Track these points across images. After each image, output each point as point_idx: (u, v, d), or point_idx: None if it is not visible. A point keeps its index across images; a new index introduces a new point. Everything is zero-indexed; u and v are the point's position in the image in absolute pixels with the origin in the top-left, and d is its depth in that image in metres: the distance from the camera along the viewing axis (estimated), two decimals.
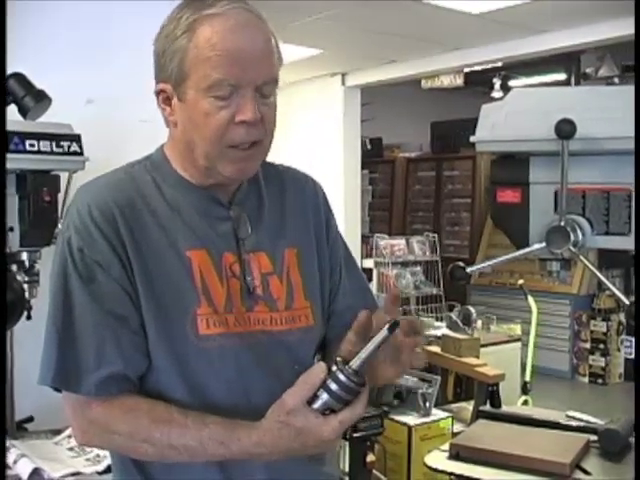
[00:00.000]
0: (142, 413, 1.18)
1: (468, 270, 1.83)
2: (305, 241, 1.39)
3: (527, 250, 1.79)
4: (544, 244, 1.75)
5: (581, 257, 1.75)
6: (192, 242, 1.26)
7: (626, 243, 1.73)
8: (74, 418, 1.23)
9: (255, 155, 1.26)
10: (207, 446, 1.15)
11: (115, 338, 1.19)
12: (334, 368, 1.11)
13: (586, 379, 6.93)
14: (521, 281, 4.68)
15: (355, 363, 1.11)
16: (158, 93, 1.26)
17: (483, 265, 2.04)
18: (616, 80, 6.23)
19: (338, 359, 1.13)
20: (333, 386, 1.10)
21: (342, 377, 1.10)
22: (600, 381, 6.82)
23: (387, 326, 1.11)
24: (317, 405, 1.11)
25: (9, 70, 2.28)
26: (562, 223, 1.72)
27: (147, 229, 1.24)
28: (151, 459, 1.22)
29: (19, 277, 2.15)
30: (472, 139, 1.82)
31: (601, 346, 6.84)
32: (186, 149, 1.26)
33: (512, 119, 1.78)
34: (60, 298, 1.21)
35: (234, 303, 1.26)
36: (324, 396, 1.11)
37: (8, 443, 2.13)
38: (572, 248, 1.73)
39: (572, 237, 1.72)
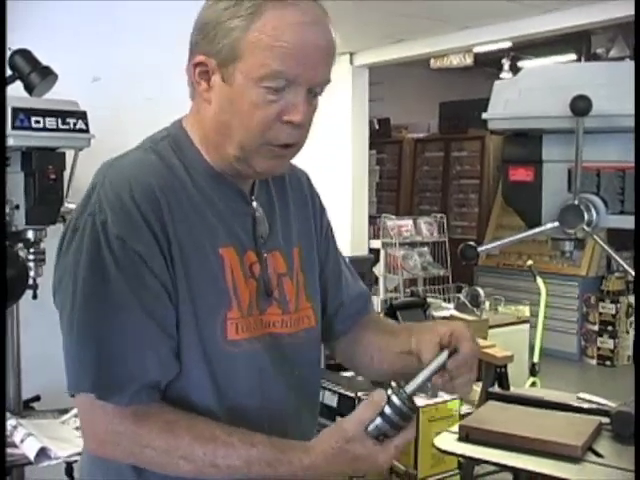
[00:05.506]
0: (182, 429, 1.10)
1: (479, 250, 1.80)
2: (307, 238, 1.34)
3: (540, 229, 1.75)
4: (557, 223, 1.72)
5: (595, 236, 1.72)
6: (222, 238, 1.18)
7: None
8: (94, 427, 1.13)
9: (289, 156, 1.21)
10: (253, 466, 1.08)
11: (155, 344, 1.11)
12: (389, 392, 1.10)
13: (594, 361, 6.92)
14: (530, 262, 4.63)
15: (410, 388, 1.11)
16: (196, 65, 1.16)
17: (494, 245, 2.00)
18: (628, 61, 6.16)
19: (393, 384, 1.12)
20: (388, 411, 1.09)
21: (397, 402, 1.09)
22: (608, 363, 6.81)
23: (446, 354, 1.15)
24: (370, 429, 1.09)
25: (15, 47, 2.25)
26: (576, 202, 1.69)
27: (187, 220, 1.15)
28: (182, 475, 1.11)
29: (22, 253, 2.13)
30: (484, 116, 1.78)
31: (609, 328, 6.82)
32: (216, 131, 1.18)
33: (526, 96, 1.74)
34: (94, 290, 1.09)
35: (253, 305, 1.21)
36: (378, 421, 1.09)
37: (15, 422, 2.13)
38: (586, 227, 1.69)
39: (586, 216, 1.69)
